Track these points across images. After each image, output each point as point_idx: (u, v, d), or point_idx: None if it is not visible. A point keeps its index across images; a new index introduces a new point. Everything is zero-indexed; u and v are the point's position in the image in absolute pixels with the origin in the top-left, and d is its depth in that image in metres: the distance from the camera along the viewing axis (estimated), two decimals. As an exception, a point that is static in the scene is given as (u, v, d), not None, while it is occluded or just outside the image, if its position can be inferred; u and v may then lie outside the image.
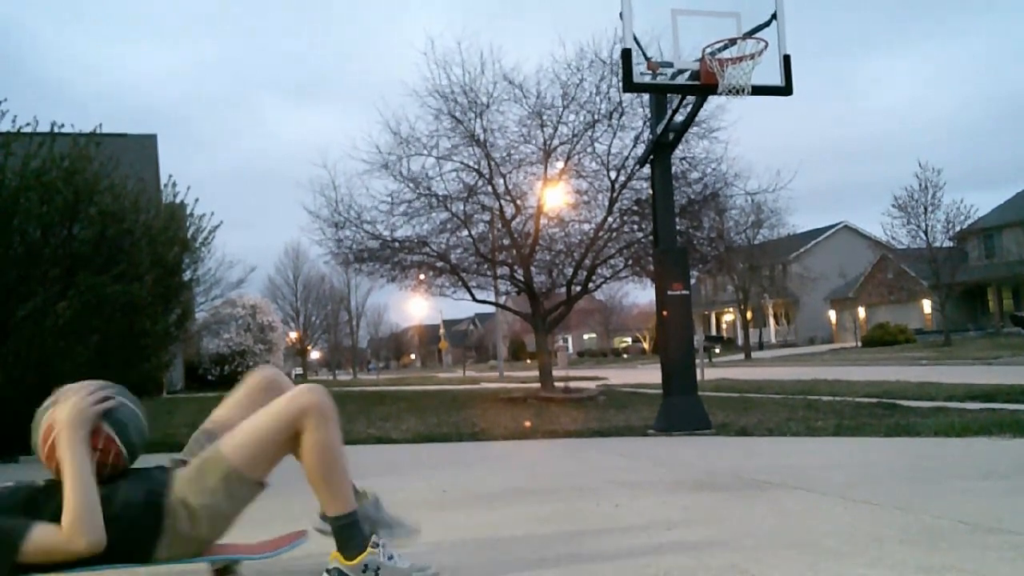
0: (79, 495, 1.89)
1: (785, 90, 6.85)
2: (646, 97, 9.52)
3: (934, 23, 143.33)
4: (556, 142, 13.05)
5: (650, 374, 19.35)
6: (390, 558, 2.21)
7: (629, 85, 7.00)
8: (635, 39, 6.79)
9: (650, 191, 8.61)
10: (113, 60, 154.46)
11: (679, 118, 7.23)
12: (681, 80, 6.88)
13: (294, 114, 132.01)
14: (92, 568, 1.97)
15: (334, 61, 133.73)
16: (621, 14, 6.78)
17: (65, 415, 2.01)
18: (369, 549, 2.21)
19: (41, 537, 1.86)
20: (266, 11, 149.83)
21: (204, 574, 2.30)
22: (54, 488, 2.02)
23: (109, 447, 2.09)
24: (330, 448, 2.21)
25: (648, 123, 9.49)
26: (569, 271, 13.90)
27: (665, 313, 7.20)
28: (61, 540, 1.85)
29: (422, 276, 14.99)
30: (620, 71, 7.47)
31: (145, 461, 2.27)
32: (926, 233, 33.15)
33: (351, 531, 2.23)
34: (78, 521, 1.86)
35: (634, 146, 12.57)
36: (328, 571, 2.22)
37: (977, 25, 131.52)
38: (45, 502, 1.99)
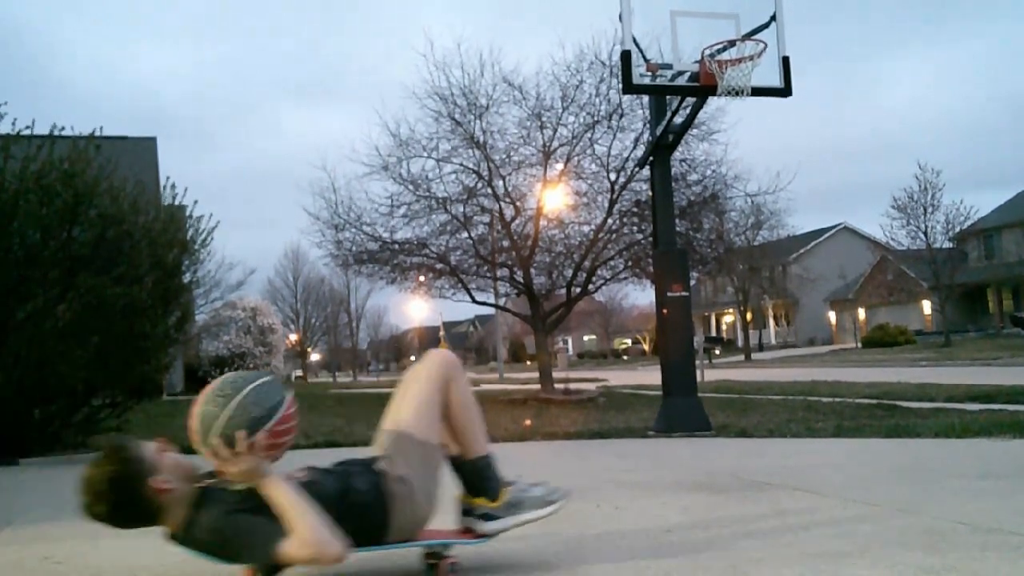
0: (306, 519, 2.04)
1: (784, 91, 6.85)
2: (646, 99, 9.52)
3: (934, 25, 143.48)
4: (555, 144, 13.05)
5: (650, 375, 19.33)
6: (524, 491, 2.45)
7: (629, 87, 7.00)
8: (634, 41, 6.79)
9: (650, 193, 8.62)
10: (114, 60, 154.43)
11: (679, 120, 7.23)
12: (680, 82, 6.88)
13: (295, 114, 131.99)
14: None
15: (336, 61, 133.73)
16: (620, 16, 6.79)
17: (250, 480, 2.10)
18: (507, 488, 2.44)
19: (293, 546, 2.01)
20: (266, 11, 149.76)
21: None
22: (253, 495, 2.10)
23: (282, 431, 2.13)
24: (471, 395, 2.52)
25: (648, 125, 9.51)
26: (569, 273, 13.89)
27: (665, 314, 7.21)
28: (311, 551, 2.00)
29: (422, 278, 14.99)
30: (620, 73, 7.47)
31: None
32: (926, 234, 33.23)
33: (492, 471, 2.46)
34: (318, 537, 2.02)
35: (634, 148, 12.57)
36: (478, 515, 2.39)
37: (977, 26, 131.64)
38: (262, 508, 2.08)
